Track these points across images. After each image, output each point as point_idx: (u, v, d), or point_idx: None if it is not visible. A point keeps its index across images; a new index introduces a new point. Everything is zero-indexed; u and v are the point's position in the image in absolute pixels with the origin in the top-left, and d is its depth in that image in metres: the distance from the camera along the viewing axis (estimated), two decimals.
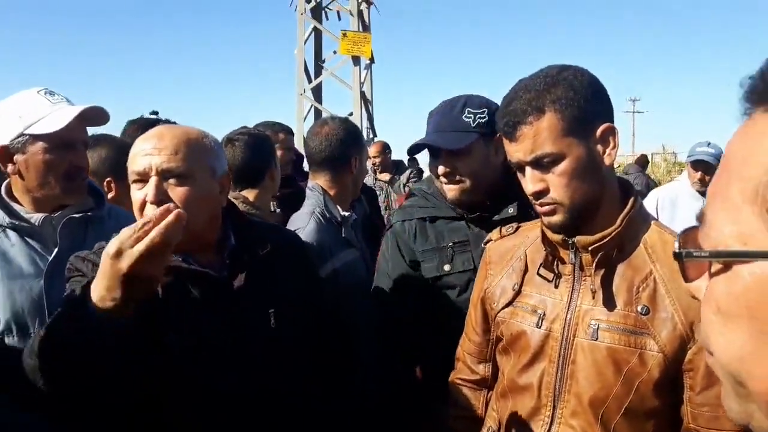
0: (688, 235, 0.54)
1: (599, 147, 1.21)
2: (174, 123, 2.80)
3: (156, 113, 5.09)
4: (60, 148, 1.59)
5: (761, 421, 0.49)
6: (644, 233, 1.26)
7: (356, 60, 11.34)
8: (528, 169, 1.22)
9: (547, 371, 1.30)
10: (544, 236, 1.32)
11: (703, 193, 3.90)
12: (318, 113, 11.71)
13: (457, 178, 1.76)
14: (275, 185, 2.43)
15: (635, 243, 1.26)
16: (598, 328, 1.24)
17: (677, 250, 0.53)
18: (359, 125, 11.07)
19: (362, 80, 11.70)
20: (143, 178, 1.28)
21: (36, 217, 1.61)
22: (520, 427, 1.35)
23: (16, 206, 1.62)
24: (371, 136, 11.89)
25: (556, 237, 1.27)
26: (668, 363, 1.20)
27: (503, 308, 1.40)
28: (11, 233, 1.59)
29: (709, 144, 4.05)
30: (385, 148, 6.13)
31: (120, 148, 2.16)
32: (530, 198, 1.26)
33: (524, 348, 1.34)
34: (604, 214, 1.24)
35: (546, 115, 1.17)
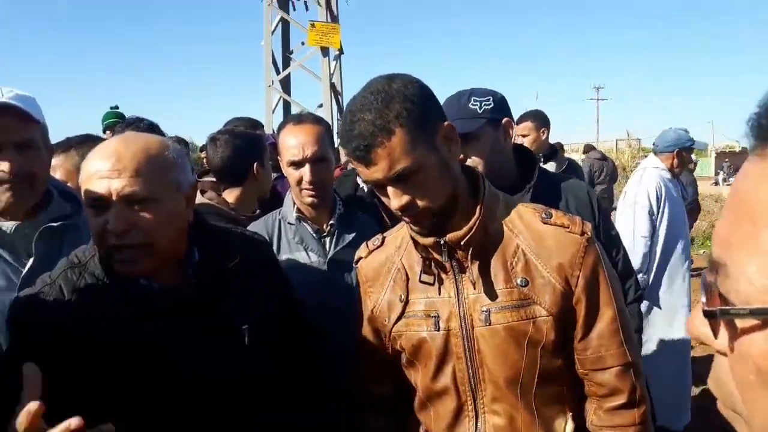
0: (706, 287, 0.49)
1: (445, 146, 1.26)
2: (139, 121, 2.71)
3: (116, 107, 4.92)
4: None
5: None
6: (500, 212, 1.34)
7: (325, 51, 11.21)
8: (389, 188, 1.24)
9: (458, 368, 1.34)
10: (415, 243, 1.34)
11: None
12: (287, 105, 11.55)
13: (469, 163, 1.78)
14: (261, 185, 2.36)
15: (497, 224, 1.33)
16: (489, 313, 1.29)
17: (708, 309, 0.48)
18: (329, 117, 11.00)
19: (332, 71, 11.58)
20: (102, 204, 1.18)
21: (7, 225, 1.50)
22: (450, 430, 1.37)
23: None
24: None
25: (428, 240, 1.31)
26: (558, 322, 1.29)
27: (396, 322, 1.40)
28: None
29: (685, 130, 4.15)
30: None
31: None
32: (396, 212, 1.28)
33: (428, 354, 1.36)
34: (461, 208, 1.30)
35: (394, 133, 1.18)
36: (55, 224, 1.53)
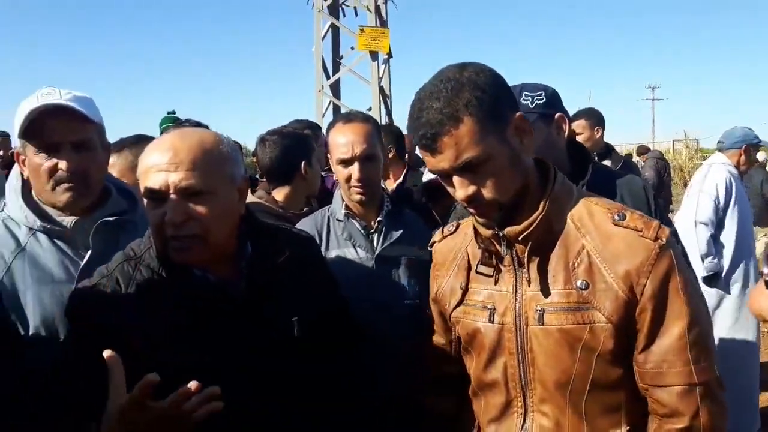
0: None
1: (516, 138, 1.22)
2: (193, 124, 2.79)
3: (173, 112, 5.09)
4: (45, 151, 1.50)
5: None
6: (571, 208, 1.27)
7: (374, 55, 11.26)
8: (456, 177, 1.21)
9: (509, 364, 1.31)
10: (476, 233, 1.32)
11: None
12: (337, 109, 11.66)
13: None
14: (309, 184, 2.40)
15: (563, 221, 1.27)
16: (543, 313, 1.24)
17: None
18: (378, 119, 11.04)
19: (380, 75, 11.62)
20: (160, 196, 1.21)
21: (68, 220, 1.57)
22: (497, 422, 1.35)
23: (47, 209, 1.58)
24: None
25: (487, 232, 1.28)
26: (618, 331, 1.21)
27: (455, 308, 1.40)
28: (42, 237, 1.55)
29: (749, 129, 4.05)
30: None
31: None
32: (462, 204, 1.24)
33: (482, 345, 1.34)
34: (529, 201, 1.25)
35: (462, 121, 1.15)
36: (110, 219, 1.59)
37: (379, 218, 2.02)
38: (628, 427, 1.26)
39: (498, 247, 1.29)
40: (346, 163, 1.96)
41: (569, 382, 1.24)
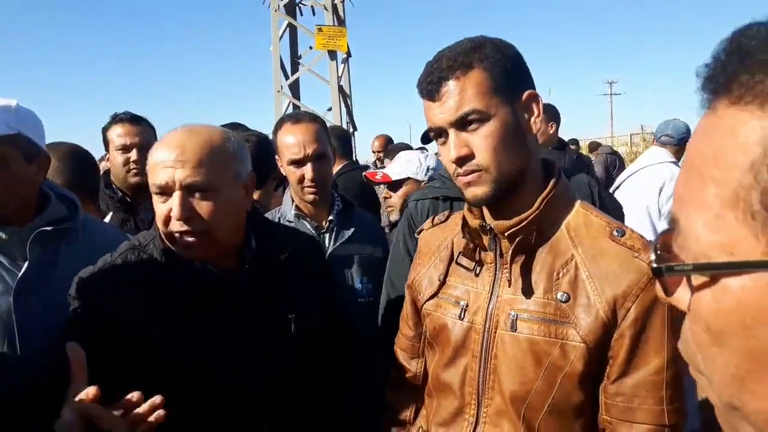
0: (662, 244, 0.48)
1: (525, 114, 1.16)
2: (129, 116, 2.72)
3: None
4: None
5: None
6: (567, 215, 1.20)
7: (332, 54, 11.23)
8: (451, 133, 1.14)
9: (469, 367, 1.24)
10: (464, 223, 1.25)
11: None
12: (296, 109, 11.59)
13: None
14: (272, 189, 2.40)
15: (556, 227, 1.19)
16: (516, 319, 1.17)
17: (655, 265, 0.47)
18: (339, 119, 11.01)
19: (340, 74, 11.60)
20: (166, 192, 1.25)
21: (6, 231, 1.51)
22: (445, 428, 1.30)
23: None
24: (351, 130, 11.82)
25: (475, 222, 1.22)
26: (591, 353, 1.12)
27: (428, 300, 1.34)
28: None
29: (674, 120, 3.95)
30: (388, 142, 5.99)
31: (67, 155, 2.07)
32: (452, 167, 1.17)
33: (446, 342, 1.28)
34: (525, 195, 1.18)
35: (473, 70, 1.11)
36: (48, 228, 1.54)
37: (330, 218, 2.02)
38: None
39: (484, 240, 1.23)
40: (298, 163, 1.95)
41: (527, 398, 1.16)
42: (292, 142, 1.95)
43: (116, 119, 2.66)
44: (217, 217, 1.26)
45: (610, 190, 3.58)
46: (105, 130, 2.69)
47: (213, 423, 1.29)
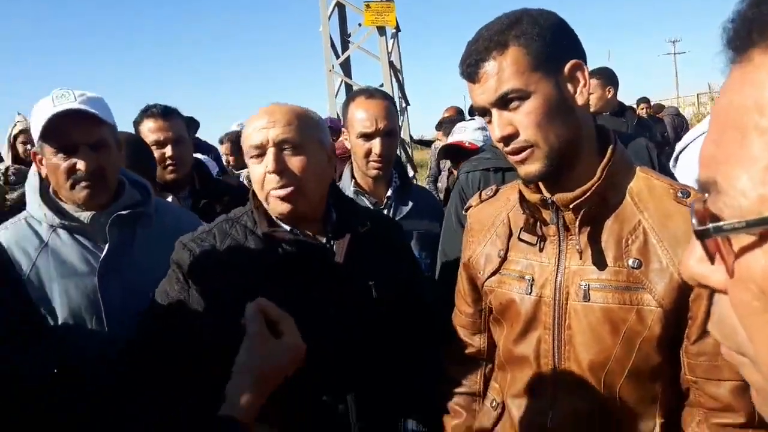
0: (697, 212, 0.44)
1: (569, 85, 1.13)
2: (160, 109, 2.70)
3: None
4: (63, 152, 1.58)
5: None
6: (629, 182, 1.18)
7: (382, 30, 11.14)
8: (494, 112, 1.14)
9: (543, 339, 1.23)
10: (522, 197, 1.24)
11: None
12: (349, 88, 11.61)
13: None
14: None
15: (620, 193, 1.17)
16: (588, 288, 1.16)
17: (698, 228, 0.43)
18: (390, 94, 10.95)
19: (389, 50, 11.52)
20: (261, 152, 1.35)
21: (85, 215, 1.63)
22: (524, 399, 1.29)
23: (65, 205, 1.65)
24: (404, 105, 11.76)
25: (535, 197, 1.20)
26: (668, 317, 1.11)
27: (489, 277, 1.33)
28: (62, 232, 1.62)
29: None
30: (459, 112, 5.97)
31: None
32: (500, 145, 1.16)
33: (516, 317, 1.27)
34: (584, 166, 1.16)
35: (509, 49, 1.10)
36: (124, 212, 1.65)
37: (388, 194, 2.05)
38: (662, 420, 1.18)
39: (545, 214, 1.22)
40: (368, 137, 1.98)
41: (606, 365, 1.16)
42: (363, 116, 1.98)
43: (147, 113, 2.55)
44: (306, 173, 1.35)
45: (675, 154, 3.51)
46: (136, 123, 2.58)
47: (299, 392, 1.30)
